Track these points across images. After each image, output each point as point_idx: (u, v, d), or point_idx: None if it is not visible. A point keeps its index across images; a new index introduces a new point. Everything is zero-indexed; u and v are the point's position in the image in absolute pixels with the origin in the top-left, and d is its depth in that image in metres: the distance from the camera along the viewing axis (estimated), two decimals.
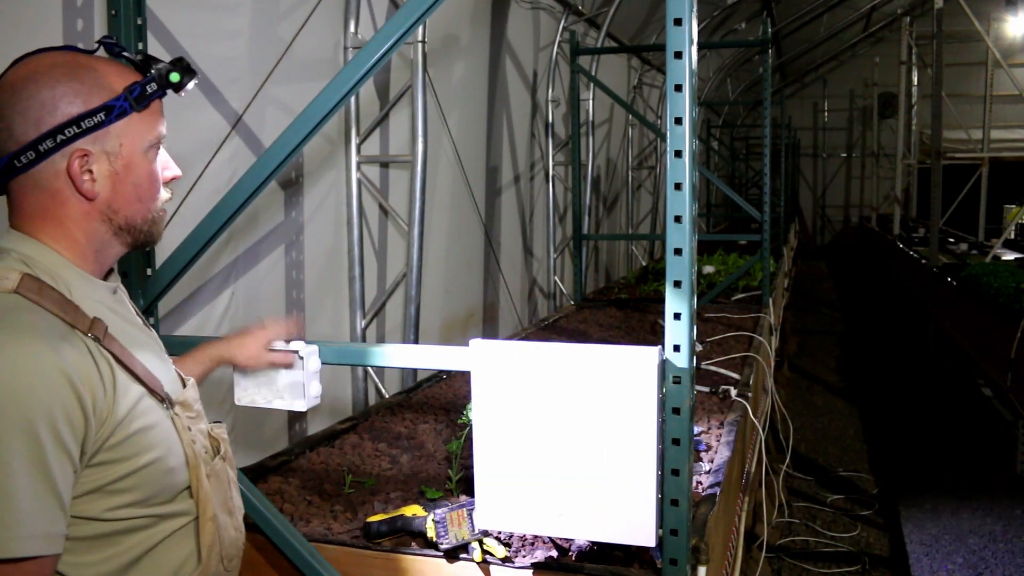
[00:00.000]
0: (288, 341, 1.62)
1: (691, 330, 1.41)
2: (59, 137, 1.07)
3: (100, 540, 1.07)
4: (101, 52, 1.18)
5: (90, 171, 1.09)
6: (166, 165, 1.20)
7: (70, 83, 1.07)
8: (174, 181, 1.22)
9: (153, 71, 1.14)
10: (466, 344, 1.48)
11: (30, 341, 0.98)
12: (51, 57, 1.10)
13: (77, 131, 1.07)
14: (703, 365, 3.23)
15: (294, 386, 1.62)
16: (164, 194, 1.20)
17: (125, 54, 1.16)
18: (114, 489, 1.07)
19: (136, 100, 1.11)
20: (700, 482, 2.02)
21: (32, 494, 0.95)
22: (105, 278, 1.19)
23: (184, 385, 1.27)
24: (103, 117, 1.08)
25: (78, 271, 1.13)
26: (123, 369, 1.09)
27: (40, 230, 1.11)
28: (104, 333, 1.08)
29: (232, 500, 1.30)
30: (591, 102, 6.57)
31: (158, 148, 1.17)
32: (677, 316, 1.41)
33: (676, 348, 1.41)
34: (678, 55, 1.38)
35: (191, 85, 1.20)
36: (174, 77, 1.15)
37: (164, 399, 1.16)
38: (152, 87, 1.13)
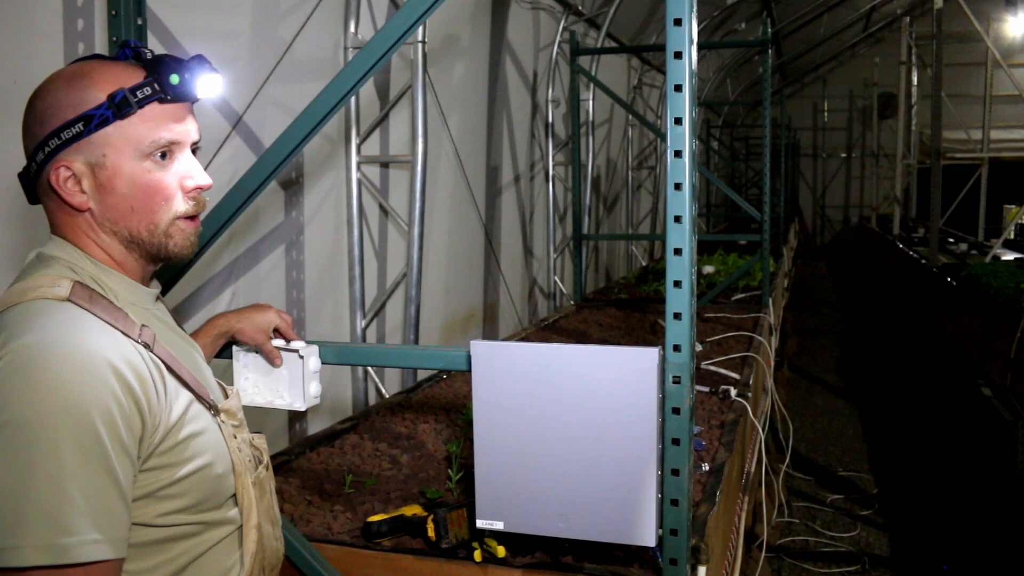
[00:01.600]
0: (288, 341, 1.62)
1: (691, 330, 1.41)
2: (45, 149, 1.06)
3: (150, 547, 1.07)
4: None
5: (79, 183, 1.07)
6: (187, 174, 1.13)
7: (59, 94, 1.06)
8: (198, 191, 1.15)
9: (153, 74, 1.09)
10: (466, 344, 1.48)
11: (87, 348, 0.98)
12: (64, 68, 1.10)
13: (58, 142, 1.05)
14: (703, 365, 3.23)
15: (294, 386, 1.62)
16: (180, 205, 1.13)
17: (147, 56, 1.12)
18: (165, 495, 1.06)
19: (119, 106, 1.05)
20: (700, 482, 2.02)
21: (99, 497, 0.94)
22: (148, 283, 1.19)
23: (226, 395, 1.26)
24: (81, 128, 1.05)
25: (124, 277, 1.13)
26: (172, 375, 1.09)
27: (72, 238, 1.11)
28: (153, 340, 1.08)
29: (274, 511, 1.30)
30: (591, 102, 6.57)
31: (163, 155, 1.10)
32: (677, 316, 1.41)
33: (676, 348, 1.41)
34: (678, 55, 1.38)
35: (210, 88, 1.14)
36: (173, 79, 1.08)
37: (211, 406, 1.16)
38: (144, 92, 1.07)
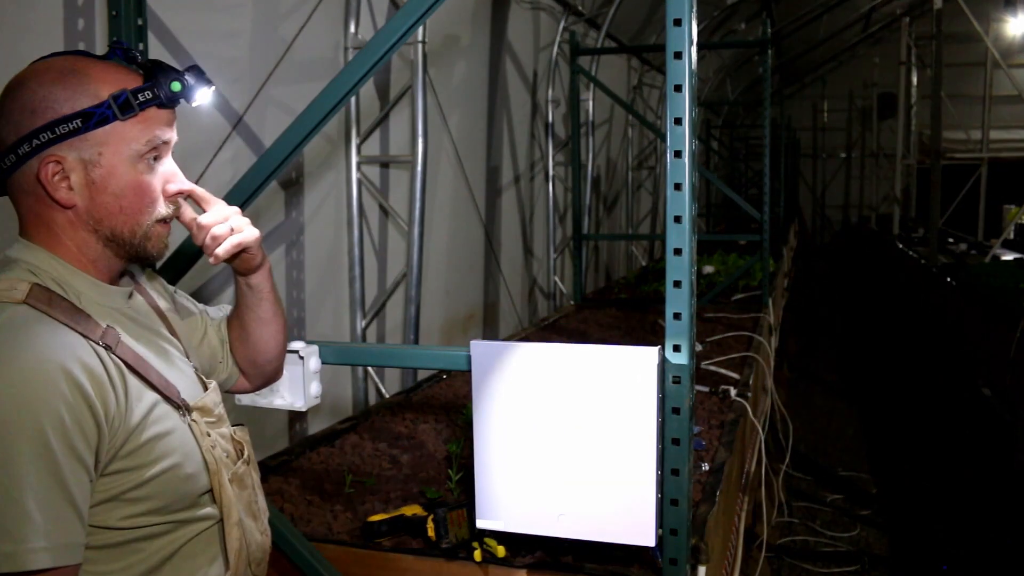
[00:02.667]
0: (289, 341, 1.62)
1: (691, 330, 1.41)
2: (34, 142, 1.04)
3: (119, 548, 1.07)
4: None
5: (67, 179, 1.06)
6: (169, 178, 1.15)
7: (54, 88, 1.05)
8: (178, 195, 1.16)
9: (152, 79, 1.09)
10: (466, 344, 1.48)
11: (40, 352, 0.97)
12: (51, 61, 1.08)
13: (51, 136, 1.04)
14: (703, 365, 3.23)
15: (294, 386, 1.62)
16: (162, 209, 1.14)
17: (138, 59, 1.13)
18: (130, 498, 1.06)
19: (121, 107, 1.06)
20: (700, 482, 2.02)
21: (46, 505, 0.94)
22: (117, 280, 1.18)
23: (205, 388, 1.25)
24: (79, 124, 1.04)
25: (89, 278, 1.11)
26: (136, 376, 1.08)
27: (38, 237, 1.10)
28: (117, 341, 1.07)
29: (257, 503, 1.29)
30: (591, 102, 6.57)
31: (155, 158, 1.12)
32: (677, 316, 1.41)
33: (676, 348, 1.41)
34: (678, 55, 1.38)
35: (204, 97, 1.15)
36: (175, 86, 1.10)
37: (180, 406, 1.15)
38: (146, 95, 1.08)
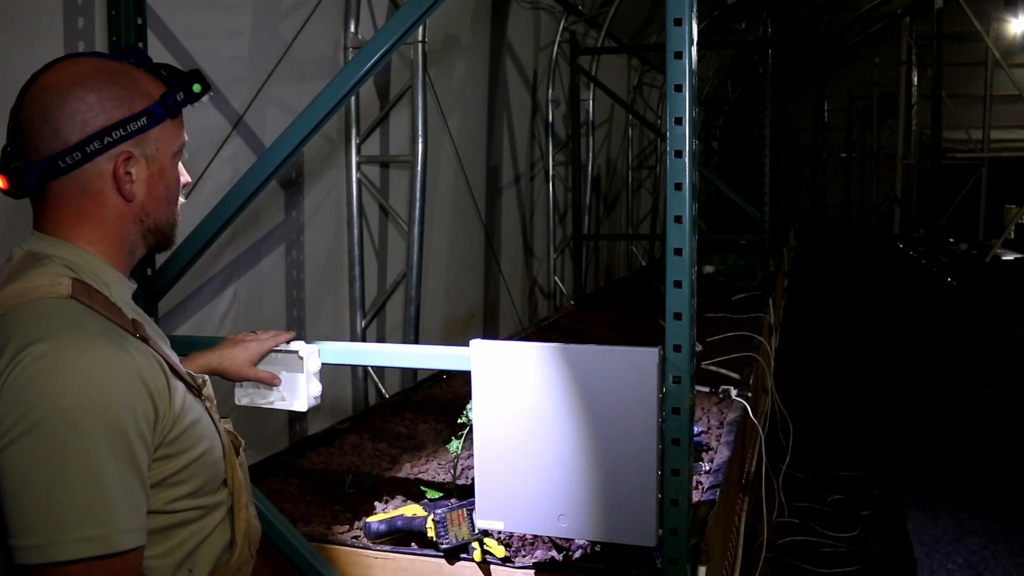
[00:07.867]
0: (288, 342, 1.62)
1: (691, 330, 1.41)
2: (106, 139, 1.09)
3: (161, 533, 1.11)
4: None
5: (130, 173, 1.12)
6: (183, 171, 1.23)
7: (114, 87, 1.11)
8: (186, 187, 1.24)
9: (176, 82, 1.17)
10: (466, 344, 1.48)
11: (102, 344, 1.01)
12: (92, 62, 1.13)
13: (123, 134, 1.10)
14: (703, 365, 3.23)
15: (294, 387, 1.62)
16: (182, 198, 1.23)
17: (155, 64, 1.19)
18: (173, 481, 1.11)
19: (170, 108, 1.15)
20: (700, 482, 2.02)
21: (127, 490, 0.99)
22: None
23: (200, 383, 1.29)
24: (145, 122, 1.12)
25: (116, 273, 1.16)
26: (168, 367, 1.12)
27: (76, 233, 1.12)
28: (147, 334, 1.11)
29: (251, 491, 1.34)
30: (591, 102, 6.57)
31: (181, 154, 1.21)
32: (677, 316, 1.41)
33: (676, 348, 1.41)
34: (678, 55, 1.38)
35: (206, 98, 1.23)
36: (196, 88, 1.18)
37: (198, 394, 1.20)
38: (180, 96, 1.16)
